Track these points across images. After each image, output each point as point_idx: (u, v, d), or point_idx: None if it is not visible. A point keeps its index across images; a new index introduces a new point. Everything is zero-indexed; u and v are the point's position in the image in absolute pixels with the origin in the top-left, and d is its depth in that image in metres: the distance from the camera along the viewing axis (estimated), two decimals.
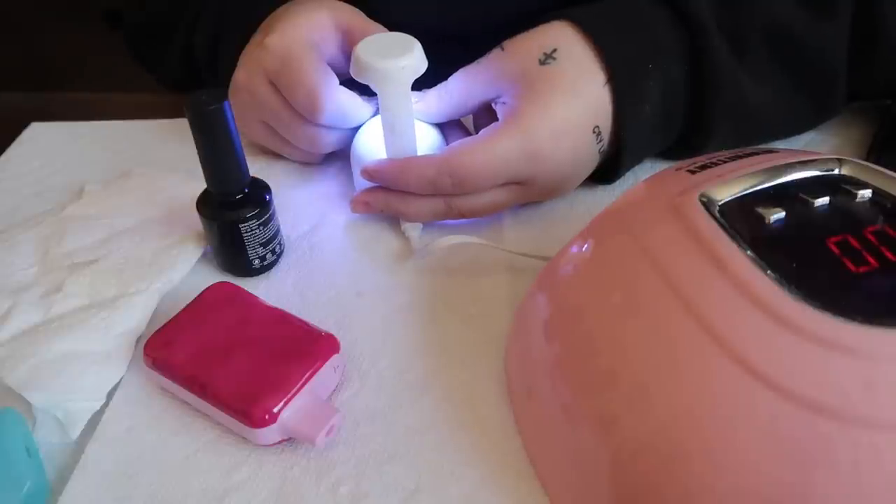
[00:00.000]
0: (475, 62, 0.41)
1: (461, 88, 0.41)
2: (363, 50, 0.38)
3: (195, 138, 0.36)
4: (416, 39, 0.39)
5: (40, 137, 0.54)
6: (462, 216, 0.42)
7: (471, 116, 0.45)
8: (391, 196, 0.42)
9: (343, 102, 0.42)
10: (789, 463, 0.22)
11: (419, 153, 0.41)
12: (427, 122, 0.43)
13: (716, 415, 0.24)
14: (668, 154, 0.46)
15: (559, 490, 0.29)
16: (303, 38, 0.42)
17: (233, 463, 0.32)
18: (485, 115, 0.43)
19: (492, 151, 0.38)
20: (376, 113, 0.44)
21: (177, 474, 0.31)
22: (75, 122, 0.55)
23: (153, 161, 0.50)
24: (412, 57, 0.38)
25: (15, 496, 0.29)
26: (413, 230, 0.42)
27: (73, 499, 0.31)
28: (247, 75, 0.43)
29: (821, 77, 0.44)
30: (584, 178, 0.44)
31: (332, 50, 0.44)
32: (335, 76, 0.42)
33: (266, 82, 0.43)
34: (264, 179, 0.40)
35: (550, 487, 0.30)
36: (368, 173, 0.41)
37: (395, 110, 0.39)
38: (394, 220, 0.44)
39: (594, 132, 0.40)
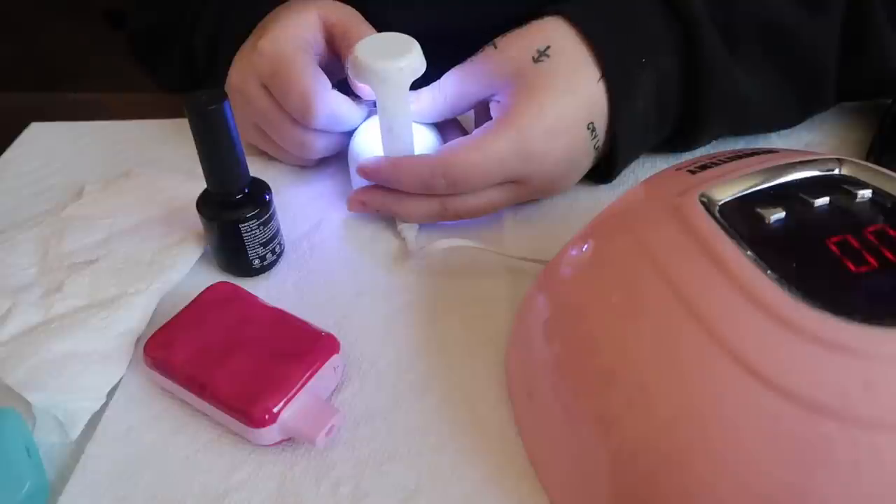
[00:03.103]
0: (468, 60, 0.41)
1: (455, 88, 0.41)
2: (361, 50, 0.38)
3: (195, 138, 0.36)
4: (414, 40, 0.39)
5: (40, 137, 0.54)
6: (458, 217, 0.42)
7: (471, 114, 0.45)
8: (387, 196, 0.42)
9: (336, 106, 0.42)
10: (789, 463, 0.22)
11: (416, 154, 0.41)
12: (422, 122, 0.43)
13: (716, 415, 0.24)
14: (662, 147, 0.47)
15: (559, 490, 0.29)
16: (295, 41, 0.42)
17: (233, 463, 0.32)
18: (484, 113, 0.43)
19: (485, 152, 0.38)
20: (370, 115, 0.44)
21: (177, 474, 0.31)
22: (75, 122, 0.55)
23: (153, 161, 0.50)
24: (411, 58, 0.38)
25: (15, 496, 0.29)
26: (409, 230, 0.42)
27: (73, 499, 0.31)
28: (240, 78, 0.43)
29: (811, 72, 0.44)
30: (581, 176, 0.44)
31: (323, 51, 0.44)
32: (328, 80, 0.42)
33: (259, 86, 0.43)
34: (264, 179, 0.40)
35: (551, 488, 0.30)
36: (364, 171, 0.41)
37: (393, 112, 0.39)
38: (393, 219, 0.44)
39: (588, 129, 0.40)
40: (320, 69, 0.42)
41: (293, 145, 0.45)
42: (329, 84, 0.42)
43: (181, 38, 0.52)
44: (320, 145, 0.44)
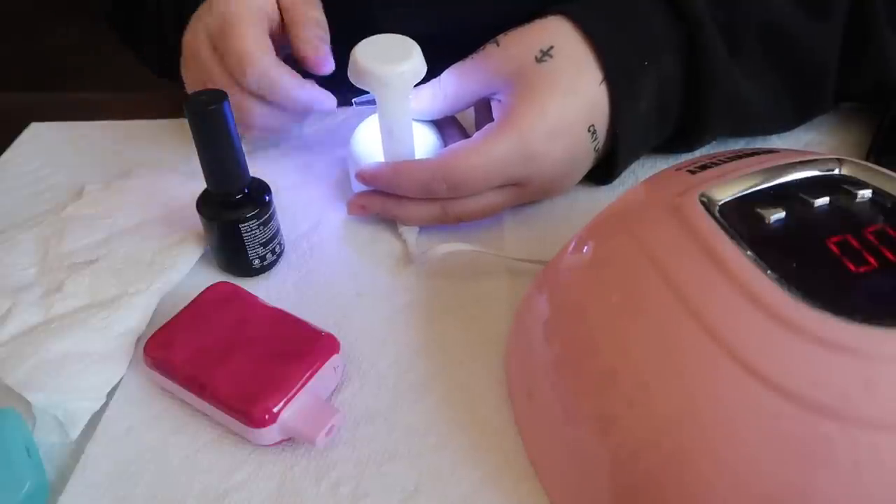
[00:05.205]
0: (469, 57, 0.41)
1: (455, 86, 0.41)
2: (361, 54, 0.37)
3: (195, 138, 0.36)
4: (415, 42, 0.38)
5: (40, 137, 0.54)
6: (459, 220, 0.42)
7: (471, 112, 0.45)
8: (387, 200, 0.42)
9: (268, 69, 0.41)
10: (789, 463, 0.22)
11: (417, 156, 0.41)
12: (421, 120, 0.43)
13: (716, 415, 0.24)
14: (664, 148, 0.47)
15: (559, 490, 0.29)
16: (248, 5, 0.42)
17: (233, 463, 0.32)
18: (485, 110, 0.43)
19: (486, 154, 0.38)
20: (370, 114, 0.44)
21: (177, 474, 0.31)
22: (75, 122, 0.55)
23: (153, 161, 0.50)
24: (412, 62, 0.37)
25: (15, 496, 0.29)
26: (410, 233, 0.42)
27: (73, 499, 0.31)
28: (192, 35, 0.44)
29: (811, 75, 0.44)
30: (581, 177, 0.44)
31: (276, 21, 0.44)
32: (270, 44, 0.42)
33: (208, 44, 0.43)
34: (264, 179, 0.40)
35: (551, 488, 0.30)
36: (363, 178, 0.41)
37: (394, 115, 0.39)
38: (393, 222, 0.44)
39: (589, 131, 0.40)
40: (265, 34, 0.43)
41: (233, 108, 0.43)
42: (270, 49, 0.42)
43: (150, 3, 0.52)
44: (257, 112, 0.43)
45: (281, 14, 0.45)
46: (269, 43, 0.42)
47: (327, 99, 0.43)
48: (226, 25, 0.42)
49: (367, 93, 0.39)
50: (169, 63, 0.53)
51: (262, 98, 0.43)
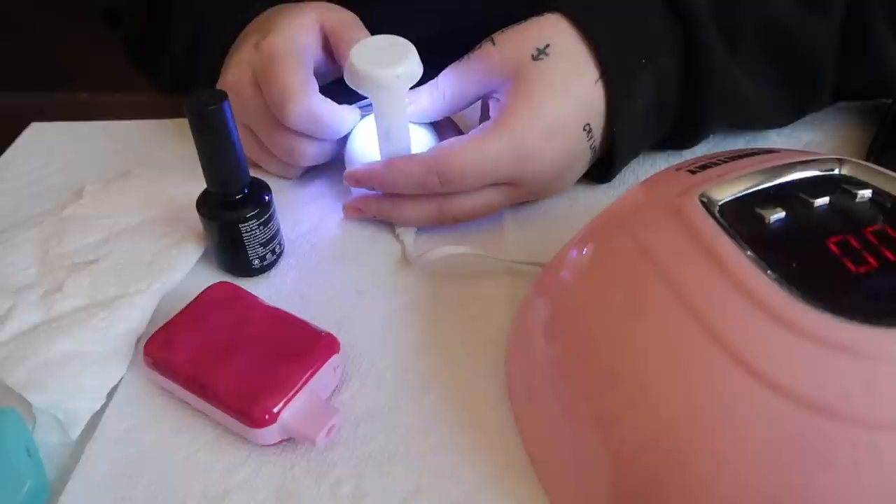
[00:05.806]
0: (465, 57, 0.41)
1: (453, 87, 0.41)
2: (357, 57, 0.37)
3: (195, 138, 0.36)
4: (411, 44, 0.38)
5: (40, 137, 0.54)
6: (456, 220, 0.41)
7: (472, 112, 0.45)
8: (383, 201, 0.42)
9: (313, 106, 0.40)
10: (789, 463, 0.22)
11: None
12: (420, 123, 0.43)
13: (716, 415, 0.24)
14: (661, 145, 0.47)
15: (559, 490, 0.29)
16: (292, 39, 0.42)
17: (233, 463, 0.32)
18: (488, 110, 0.43)
19: (480, 151, 0.38)
20: (363, 117, 0.44)
21: (177, 474, 0.31)
22: (75, 122, 0.55)
23: (153, 161, 0.50)
24: (408, 64, 0.37)
25: (15, 496, 0.29)
26: (407, 235, 0.42)
27: (73, 499, 0.31)
28: (235, 76, 0.43)
29: (809, 72, 0.44)
30: (579, 176, 0.43)
31: (320, 54, 0.44)
32: (314, 81, 0.42)
33: (252, 83, 0.43)
34: (264, 179, 0.40)
35: (551, 488, 0.30)
36: (354, 179, 0.41)
37: (391, 118, 0.39)
38: (390, 222, 0.44)
39: (584, 130, 0.40)
40: (310, 70, 0.42)
41: (276, 148, 0.44)
42: (314, 85, 0.41)
43: (164, 46, 0.52)
44: (302, 151, 0.43)
45: (324, 37, 0.44)
46: (312, 79, 0.41)
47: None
48: (268, 63, 0.41)
49: (367, 97, 0.39)
50: (183, 82, 0.53)
51: (306, 135, 0.43)
